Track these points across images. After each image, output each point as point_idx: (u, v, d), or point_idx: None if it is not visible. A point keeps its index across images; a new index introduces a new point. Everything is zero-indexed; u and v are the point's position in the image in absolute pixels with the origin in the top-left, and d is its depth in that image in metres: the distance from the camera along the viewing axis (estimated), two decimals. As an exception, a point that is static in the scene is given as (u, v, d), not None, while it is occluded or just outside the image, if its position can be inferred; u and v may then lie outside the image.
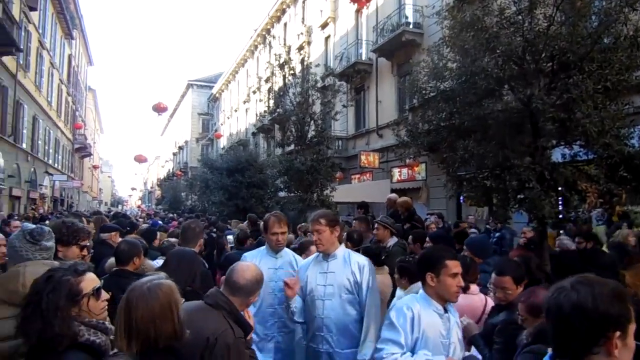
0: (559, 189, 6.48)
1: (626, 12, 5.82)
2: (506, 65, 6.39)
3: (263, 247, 3.89)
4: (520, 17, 6.14)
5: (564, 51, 5.93)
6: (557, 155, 6.75)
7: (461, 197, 11.81)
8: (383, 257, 4.77)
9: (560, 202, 7.08)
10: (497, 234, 8.84)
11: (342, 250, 3.46)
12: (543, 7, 6.23)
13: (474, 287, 3.62)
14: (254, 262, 3.18)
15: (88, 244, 3.32)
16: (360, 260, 3.37)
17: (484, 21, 6.30)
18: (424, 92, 7.67)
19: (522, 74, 6.29)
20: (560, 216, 7.20)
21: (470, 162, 6.78)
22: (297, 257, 3.96)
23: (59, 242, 2.92)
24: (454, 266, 2.52)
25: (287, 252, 3.89)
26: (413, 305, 2.48)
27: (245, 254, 3.84)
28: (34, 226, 2.70)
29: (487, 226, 9.93)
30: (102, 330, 2.01)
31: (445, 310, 2.55)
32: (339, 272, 3.33)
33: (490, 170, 6.73)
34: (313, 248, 4.40)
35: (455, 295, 2.54)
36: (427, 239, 5.35)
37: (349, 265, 3.34)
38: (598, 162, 6.25)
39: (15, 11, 17.75)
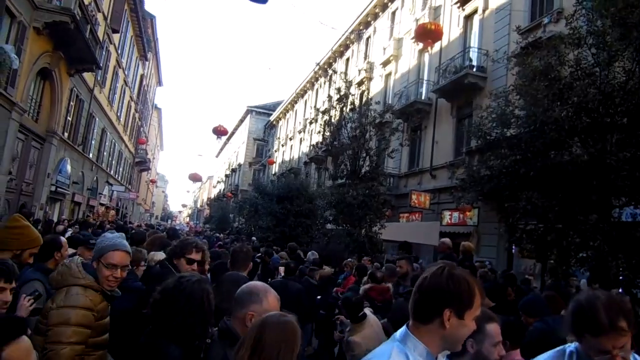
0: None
1: None
2: (577, 117, 6.19)
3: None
4: (597, 69, 5.96)
5: (642, 107, 5.69)
6: (626, 215, 6.39)
7: (513, 248, 11.35)
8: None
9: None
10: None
11: None
12: (622, 61, 6.04)
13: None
14: None
15: (198, 258, 3.37)
16: None
17: (557, 70, 6.16)
18: (488, 137, 7.54)
19: (595, 126, 6.06)
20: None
21: (532, 214, 6.52)
22: None
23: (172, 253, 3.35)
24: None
25: None
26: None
27: None
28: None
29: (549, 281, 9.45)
30: None
31: None
32: None
33: (552, 224, 6.45)
34: None
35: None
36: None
37: None
38: (674, 226, 5.86)
39: (100, 32, 19.15)
